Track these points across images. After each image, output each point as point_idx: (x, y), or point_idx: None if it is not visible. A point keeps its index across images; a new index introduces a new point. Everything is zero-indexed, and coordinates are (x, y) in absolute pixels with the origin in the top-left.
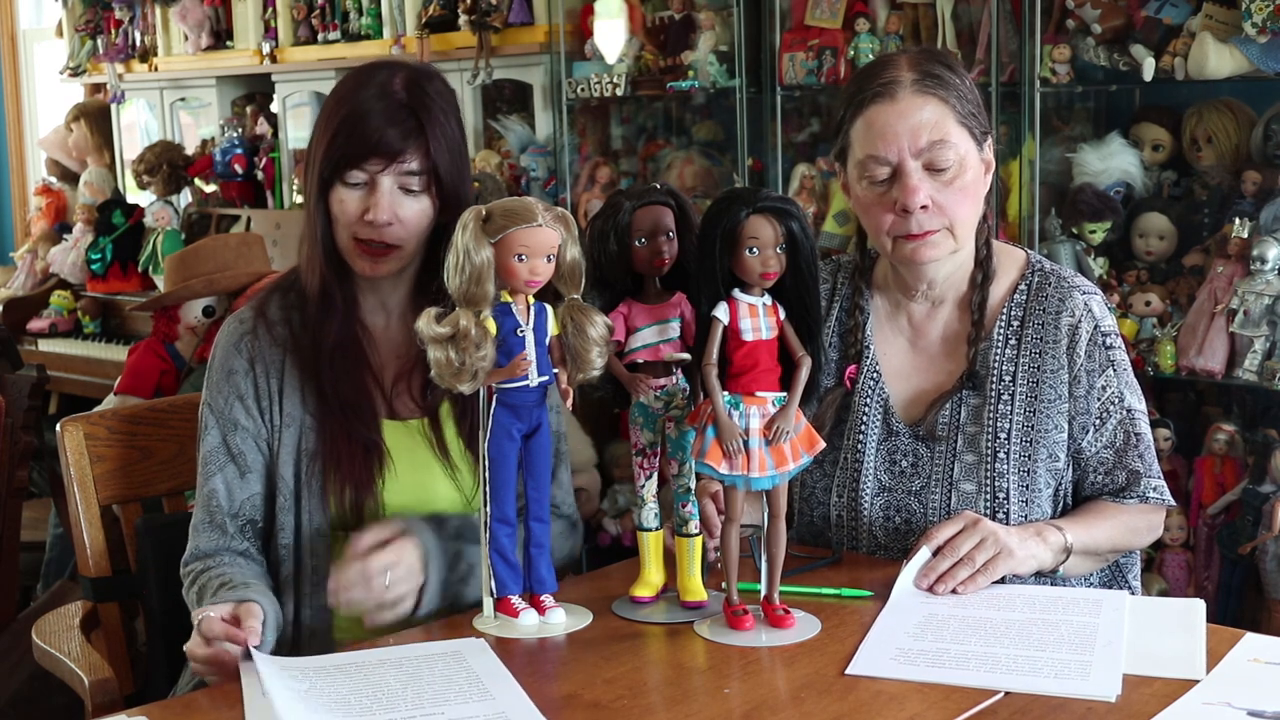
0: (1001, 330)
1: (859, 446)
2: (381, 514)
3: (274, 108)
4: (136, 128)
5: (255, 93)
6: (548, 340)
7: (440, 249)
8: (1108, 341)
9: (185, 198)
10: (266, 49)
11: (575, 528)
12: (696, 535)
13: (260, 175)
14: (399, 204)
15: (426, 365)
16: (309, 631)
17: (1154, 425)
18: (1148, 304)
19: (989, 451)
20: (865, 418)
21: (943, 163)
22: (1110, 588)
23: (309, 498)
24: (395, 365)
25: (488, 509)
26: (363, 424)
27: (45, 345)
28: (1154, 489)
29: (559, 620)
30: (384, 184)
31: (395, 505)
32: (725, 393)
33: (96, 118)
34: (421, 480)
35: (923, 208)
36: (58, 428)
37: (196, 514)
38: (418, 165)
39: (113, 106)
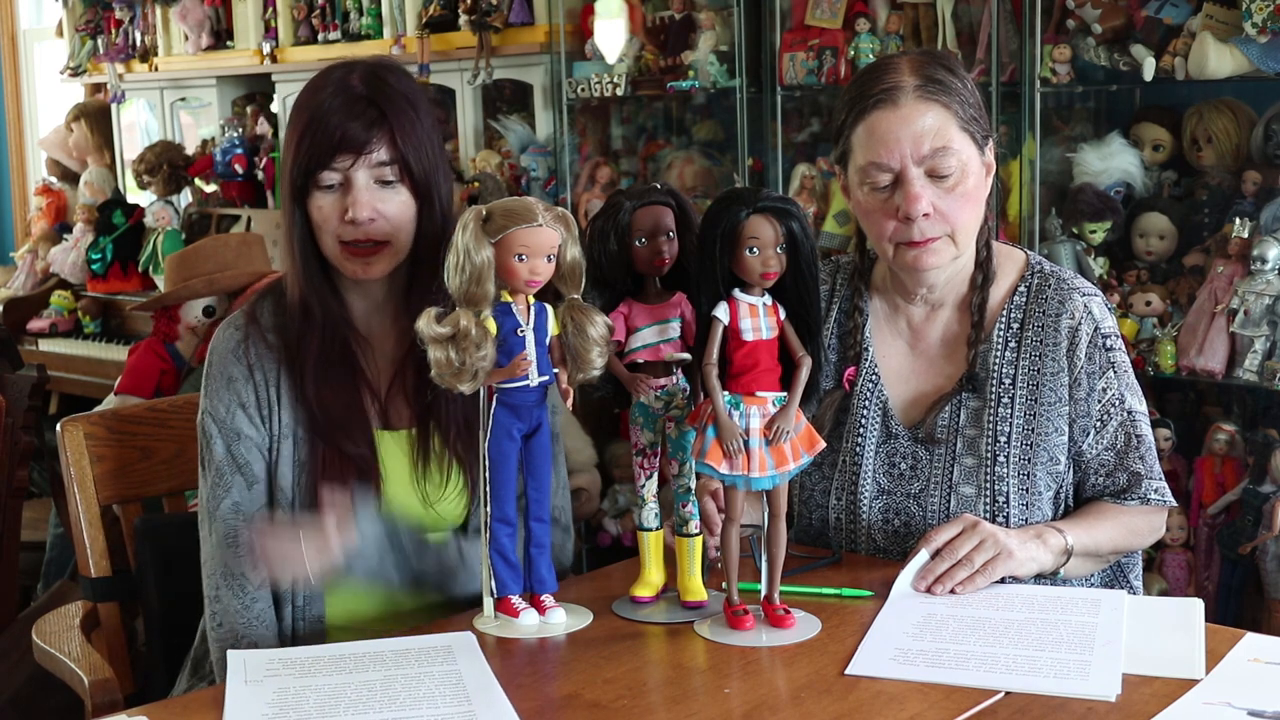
0: (1001, 332)
1: (858, 449)
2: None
3: (274, 108)
4: (137, 128)
5: (255, 93)
6: (548, 340)
7: (422, 245)
8: (1108, 344)
9: (185, 198)
10: (267, 49)
11: (568, 533)
12: (697, 535)
13: (260, 175)
14: (378, 198)
15: (419, 369)
16: (303, 643)
17: (1154, 425)
18: (1148, 304)
19: (989, 455)
20: (864, 420)
21: (945, 170)
22: (1111, 588)
23: (302, 511)
24: (390, 371)
25: (488, 509)
26: (353, 443)
27: (45, 345)
28: (1155, 490)
29: (559, 620)
30: (358, 179)
31: (388, 517)
32: (725, 392)
33: (97, 118)
34: (410, 492)
35: (925, 215)
36: (58, 428)
37: (215, 530)
38: (387, 155)
39: (113, 106)
